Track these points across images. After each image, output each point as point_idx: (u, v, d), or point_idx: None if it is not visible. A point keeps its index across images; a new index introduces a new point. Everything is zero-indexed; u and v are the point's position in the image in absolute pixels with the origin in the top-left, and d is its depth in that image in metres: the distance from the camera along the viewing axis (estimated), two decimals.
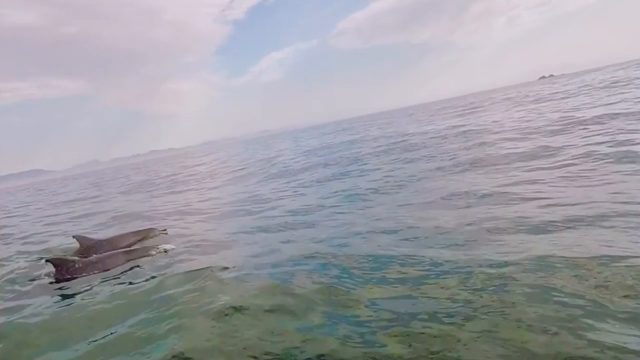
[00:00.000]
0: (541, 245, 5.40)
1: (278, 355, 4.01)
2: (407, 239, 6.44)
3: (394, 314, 4.38)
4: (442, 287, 4.76)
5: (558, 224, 5.99)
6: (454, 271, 5.06)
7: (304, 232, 7.89)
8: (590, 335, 3.68)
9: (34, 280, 7.65)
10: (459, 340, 3.85)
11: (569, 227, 5.83)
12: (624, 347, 3.52)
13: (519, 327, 3.90)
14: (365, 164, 15.75)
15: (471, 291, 4.57)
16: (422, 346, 3.86)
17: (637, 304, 3.99)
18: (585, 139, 11.95)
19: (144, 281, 6.42)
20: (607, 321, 3.83)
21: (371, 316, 4.41)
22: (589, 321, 3.85)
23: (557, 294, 4.28)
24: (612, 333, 3.69)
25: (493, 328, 3.94)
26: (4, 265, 9.24)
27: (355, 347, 3.97)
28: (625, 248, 4.93)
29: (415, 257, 5.64)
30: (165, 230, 9.75)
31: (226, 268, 6.34)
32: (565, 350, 3.57)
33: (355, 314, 4.49)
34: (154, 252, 7.85)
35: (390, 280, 5.13)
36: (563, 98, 27.60)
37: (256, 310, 4.79)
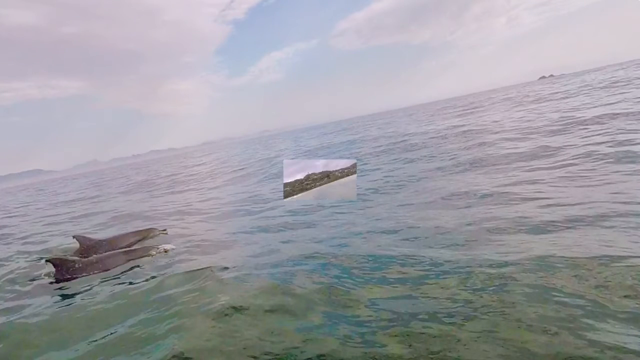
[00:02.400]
0: (541, 245, 5.41)
1: (278, 355, 4.01)
2: (407, 239, 6.44)
3: (394, 314, 4.39)
4: (442, 287, 4.76)
5: (558, 224, 5.99)
6: (454, 271, 5.07)
7: (304, 232, 7.89)
8: (590, 335, 3.69)
9: (34, 280, 7.65)
10: (459, 340, 3.85)
11: (569, 227, 5.83)
12: (624, 347, 3.52)
13: (519, 327, 3.90)
14: (365, 164, 15.76)
15: (471, 291, 4.57)
16: (422, 346, 3.86)
17: (637, 303, 3.99)
18: (585, 139, 11.95)
19: (144, 281, 6.43)
20: (607, 321, 3.83)
21: (371, 316, 4.41)
22: (589, 321, 3.85)
23: (557, 294, 4.28)
24: (612, 333, 3.69)
25: (493, 328, 3.94)
26: (4, 265, 9.24)
27: (355, 347, 3.98)
28: (625, 248, 4.93)
29: (415, 257, 5.64)
30: (165, 230, 9.75)
31: (226, 268, 6.34)
32: (565, 350, 3.57)
33: (355, 314, 4.49)
34: (154, 252, 7.85)
35: (390, 280, 5.13)
36: (563, 98, 27.62)
37: (256, 311, 4.80)
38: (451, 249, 5.78)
